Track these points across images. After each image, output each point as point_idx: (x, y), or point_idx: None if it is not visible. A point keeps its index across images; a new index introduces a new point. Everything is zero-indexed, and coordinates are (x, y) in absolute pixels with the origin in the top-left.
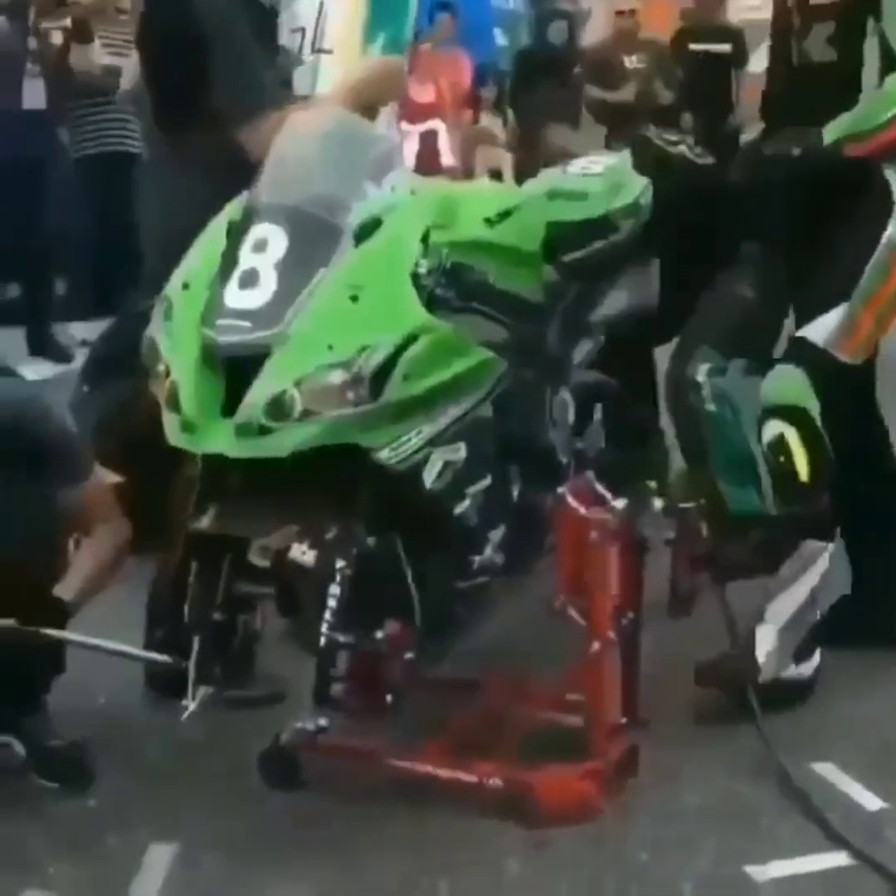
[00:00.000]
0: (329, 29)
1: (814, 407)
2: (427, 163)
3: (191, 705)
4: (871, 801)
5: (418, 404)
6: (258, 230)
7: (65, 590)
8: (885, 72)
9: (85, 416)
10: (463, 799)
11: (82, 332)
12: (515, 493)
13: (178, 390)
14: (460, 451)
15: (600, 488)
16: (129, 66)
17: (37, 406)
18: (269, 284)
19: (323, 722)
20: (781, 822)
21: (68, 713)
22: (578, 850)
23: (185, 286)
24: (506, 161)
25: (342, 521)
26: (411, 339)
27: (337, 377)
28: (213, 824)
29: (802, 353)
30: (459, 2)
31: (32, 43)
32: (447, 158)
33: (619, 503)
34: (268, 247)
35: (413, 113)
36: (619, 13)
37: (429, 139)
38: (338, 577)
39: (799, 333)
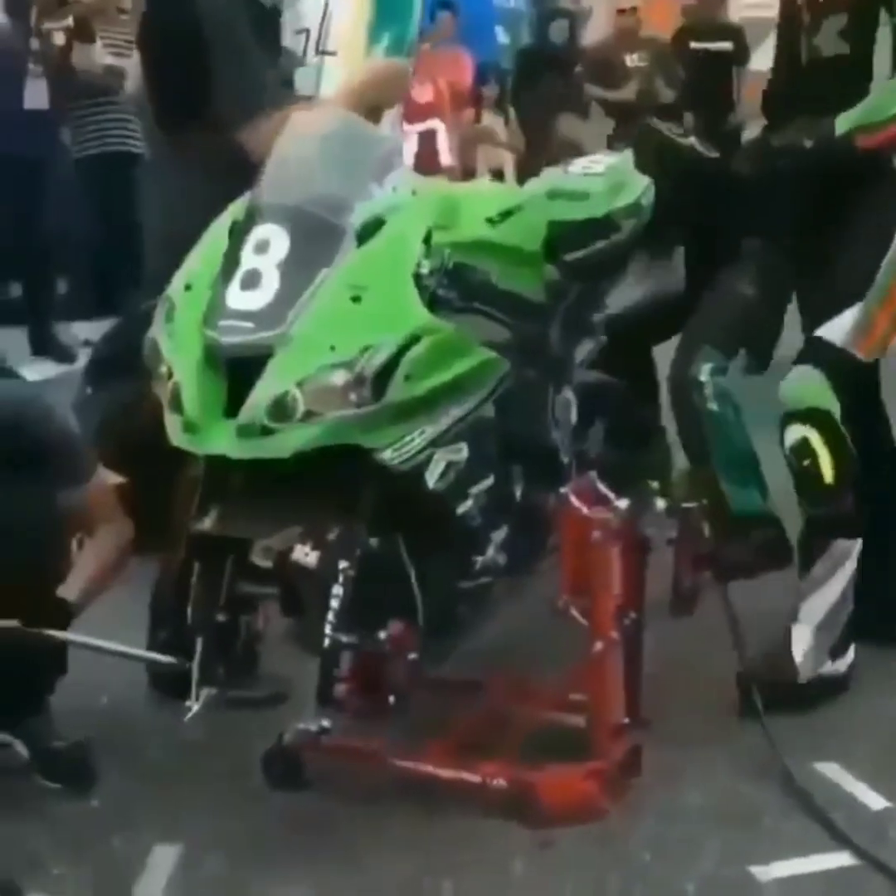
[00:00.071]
0: (333, 30)
1: (835, 408)
2: (426, 162)
3: (194, 706)
4: (876, 801)
5: (420, 405)
6: (260, 231)
7: (68, 590)
8: None
9: (88, 417)
10: (466, 799)
11: (85, 332)
12: (518, 493)
13: (181, 391)
14: (463, 452)
15: (603, 488)
16: (134, 68)
17: (38, 407)
18: (271, 285)
19: (326, 722)
20: (785, 821)
21: (71, 714)
22: (582, 850)
23: (188, 287)
24: (507, 160)
25: (345, 521)
26: (413, 339)
27: (339, 378)
28: (217, 825)
29: (820, 353)
30: (461, 0)
31: (34, 43)
32: (446, 158)
33: (622, 503)
34: (270, 247)
35: (412, 113)
36: (620, 11)
37: (428, 139)
38: (340, 578)
39: (816, 333)
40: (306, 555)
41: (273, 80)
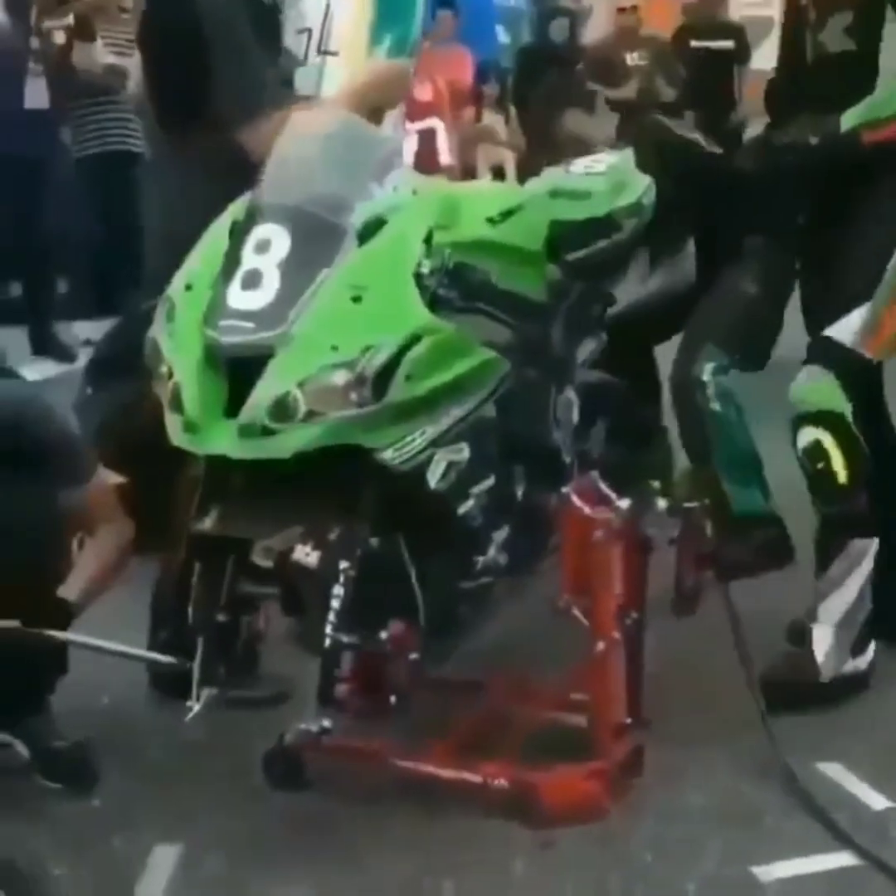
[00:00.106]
0: (335, 30)
1: (847, 409)
2: (425, 161)
3: (195, 706)
4: (878, 801)
5: (421, 405)
6: (261, 230)
7: (68, 590)
8: None
9: (88, 417)
10: (467, 799)
11: (86, 331)
12: (519, 493)
13: (181, 391)
14: (464, 452)
15: (604, 488)
16: (136, 67)
17: (38, 406)
18: (271, 285)
19: (327, 722)
20: (787, 822)
21: (72, 714)
22: (583, 850)
23: (188, 287)
24: (508, 159)
25: (346, 521)
26: (414, 339)
27: (340, 378)
28: (218, 825)
29: (829, 353)
30: None
31: (34, 42)
32: (445, 157)
33: (624, 503)
34: (271, 247)
35: (412, 111)
36: (621, 10)
37: (427, 138)
38: (341, 578)
39: (825, 334)
40: (307, 555)
41: (273, 79)
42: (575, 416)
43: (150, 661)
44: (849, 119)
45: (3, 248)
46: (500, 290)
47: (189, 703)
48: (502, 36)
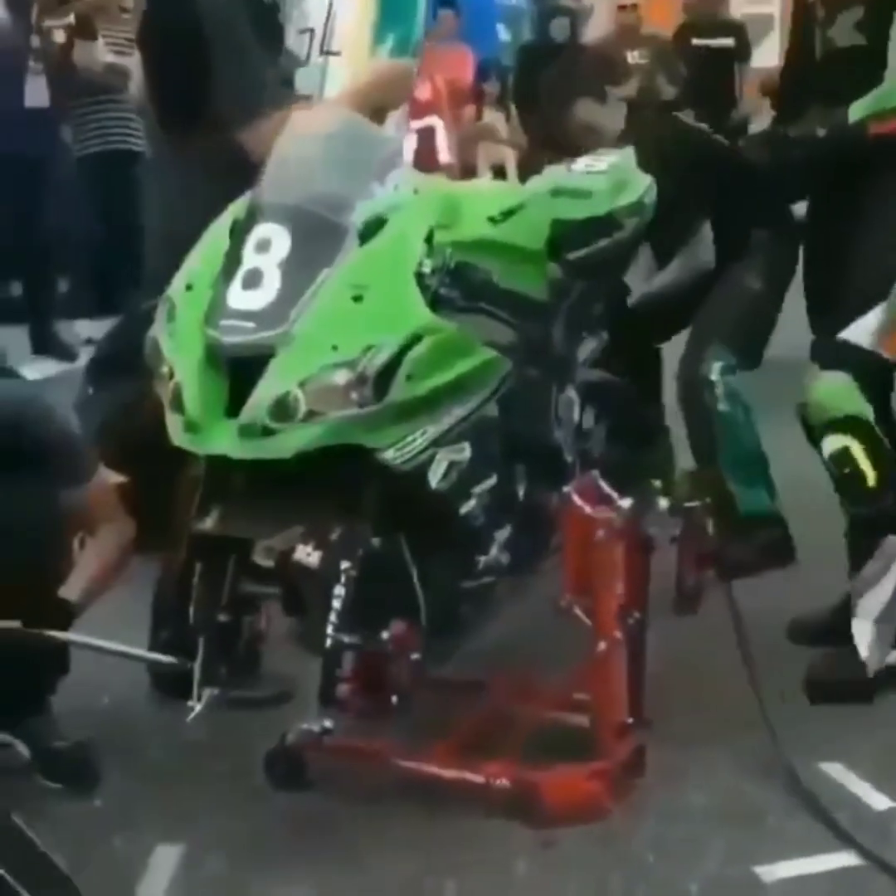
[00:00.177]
0: (338, 30)
1: (869, 412)
2: (425, 160)
3: (196, 706)
4: (880, 801)
5: (422, 404)
6: (261, 230)
7: (69, 590)
8: None
9: (89, 417)
10: (469, 799)
11: (87, 330)
12: (521, 492)
13: (182, 391)
14: (465, 451)
15: (606, 487)
16: (137, 67)
17: (38, 406)
18: (272, 284)
19: (328, 723)
20: (789, 821)
21: (73, 714)
22: (585, 850)
23: (189, 287)
24: (509, 157)
25: (347, 521)
26: (415, 339)
27: (341, 377)
28: (219, 825)
29: (846, 355)
30: None
31: (35, 41)
32: (444, 156)
33: (625, 502)
34: (271, 246)
35: (412, 110)
36: (621, 8)
37: (426, 136)
38: (343, 578)
39: (841, 336)
40: (308, 555)
41: (273, 79)
42: (576, 416)
43: (152, 662)
44: (856, 111)
45: (3, 246)
46: (502, 290)
47: (190, 704)
48: (503, 34)
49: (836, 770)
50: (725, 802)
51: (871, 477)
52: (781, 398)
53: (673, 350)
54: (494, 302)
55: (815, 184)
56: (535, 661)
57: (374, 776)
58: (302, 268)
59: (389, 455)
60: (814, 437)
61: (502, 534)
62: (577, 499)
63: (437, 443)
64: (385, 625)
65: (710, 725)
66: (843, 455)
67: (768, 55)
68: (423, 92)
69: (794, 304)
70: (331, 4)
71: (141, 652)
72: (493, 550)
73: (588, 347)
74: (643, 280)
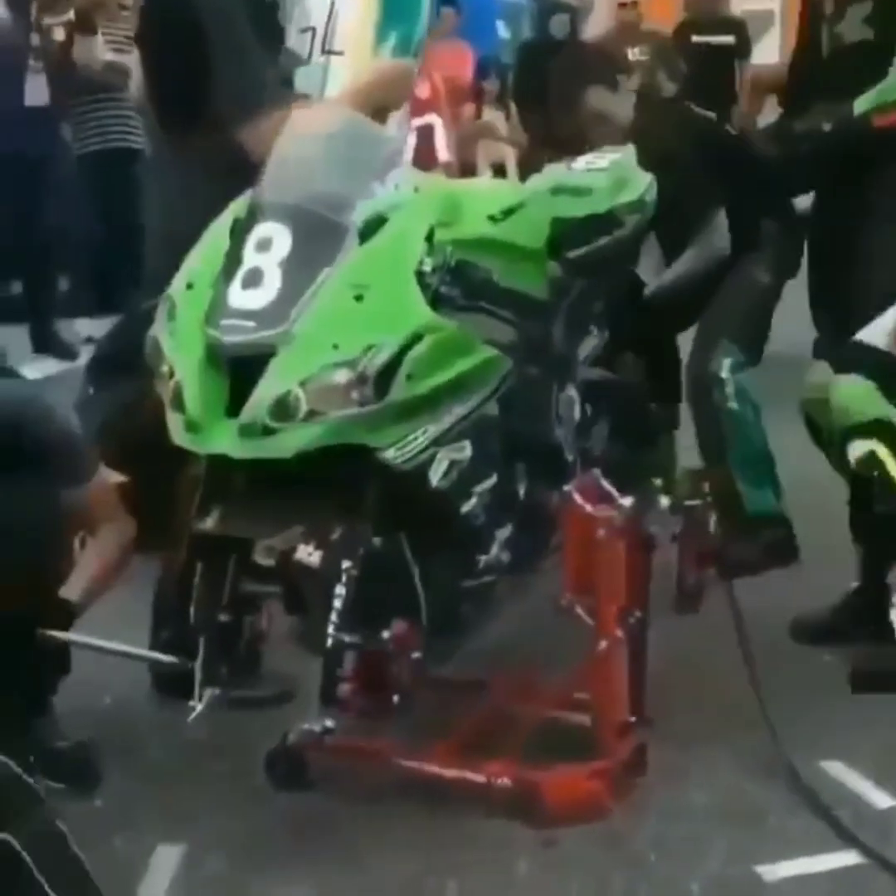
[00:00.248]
0: (340, 29)
1: (891, 413)
2: (424, 158)
3: (197, 706)
4: (881, 799)
5: (423, 404)
6: (262, 229)
7: (70, 590)
8: None
9: (90, 416)
10: (470, 799)
11: (87, 329)
12: (522, 491)
13: (183, 390)
14: (466, 450)
15: (607, 486)
16: (136, 65)
17: (38, 406)
18: (273, 283)
19: (329, 722)
20: (791, 820)
21: (74, 714)
22: (586, 849)
23: (189, 286)
24: (509, 155)
25: (348, 521)
26: (416, 338)
27: (342, 377)
28: (220, 825)
29: (863, 357)
30: None
31: (35, 39)
32: (443, 154)
33: (626, 501)
34: (272, 246)
35: (412, 108)
36: (622, 5)
37: (426, 134)
38: (344, 578)
39: (857, 338)
40: (309, 554)
41: (272, 78)
42: (577, 414)
43: (153, 661)
44: (860, 104)
45: (3, 245)
46: (502, 288)
47: (191, 704)
48: (503, 31)
49: (837, 768)
50: (727, 801)
51: None
52: (781, 395)
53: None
54: (495, 300)
55: (822, 178)
56: (536, 660)
57: (375, 776)
58: (302, 267)
59: (390, 454)
60: (818, 435)
61: (503, 533)
62: (577, 497)
63: (437, 442)
64: (386, 624)
65: (712, 724)
66: (871, 458)
67: (768, 52)
68: (422, 90)
69: (791, 299)
70: (332, 3)
71: (142, 652)
72: (494, 549)
73: (588, 345)
74: (653, 274)
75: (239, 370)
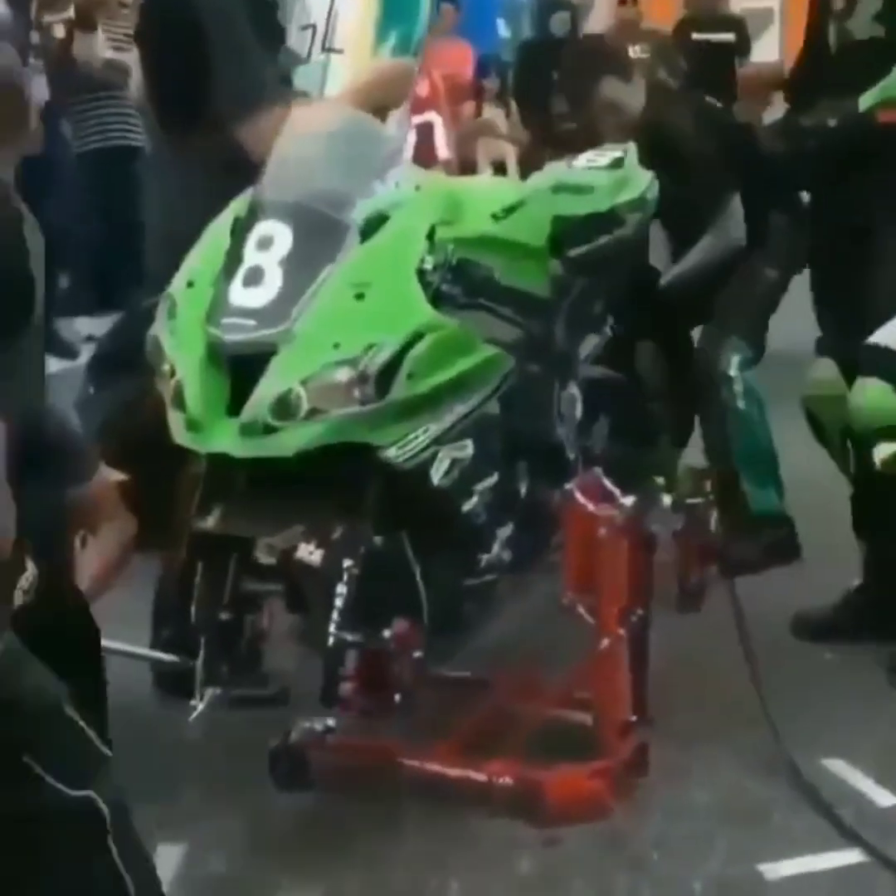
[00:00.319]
0: (340, 27)
1: None
2: (423, 156)
3: (198, 705)
4: (883, 797)
5: (424, 402)
6: (263, 227)
7: None
8: None
9: (90, 415)
10: (472, 798)
11: (88, 328)
12: (523, 489)
13: (183, 389)
14: (467, 449)
15: (608, 484)
16: (136, 64)
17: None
18: (274, 282)
19: (331, 721)
20: (793, 819)
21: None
22: (588, 848)
23: (190, 284)
24: (509, 153)
25: (349, 520)
26: (417, 336)
27: (343, 375)
28: (221, 824)
29: (879, 359)
30: None
31: (35, 36)
32: (443, 151)
33: (628, 499)
34: (273, 244)
35: (412, 105)
36: (622, 3)
37: (425, 132)
38: (345, 577)
39: (872, 340)
40: (310, 553)
41: (272, 76)
42: (578, 412)
43: (154, 660)
44: (866, 100)
45: None
46: (504, 287)
47: (193, 703)
48: (503, 29)
49: (838, 766)
50: (728, 800)
51: None
52: (780, 392)
53: None
54: (496, 299)
55: (827, 174)
56: (538, 659)
57: (377, 775)
58: (303, 265)
59: (391, 453)
60: (821, 432)
61: (504, 531)
62: (579, 496)
63: (439, 440)
64: (387, 623)
65: (713, 723)
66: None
67: (768, 49)
68: (422, 87)
69: (791, 296)
70: (333, 1)
71: (143, 651)
72: (495, 548)
73: (590, 344)
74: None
75: (240, 369)
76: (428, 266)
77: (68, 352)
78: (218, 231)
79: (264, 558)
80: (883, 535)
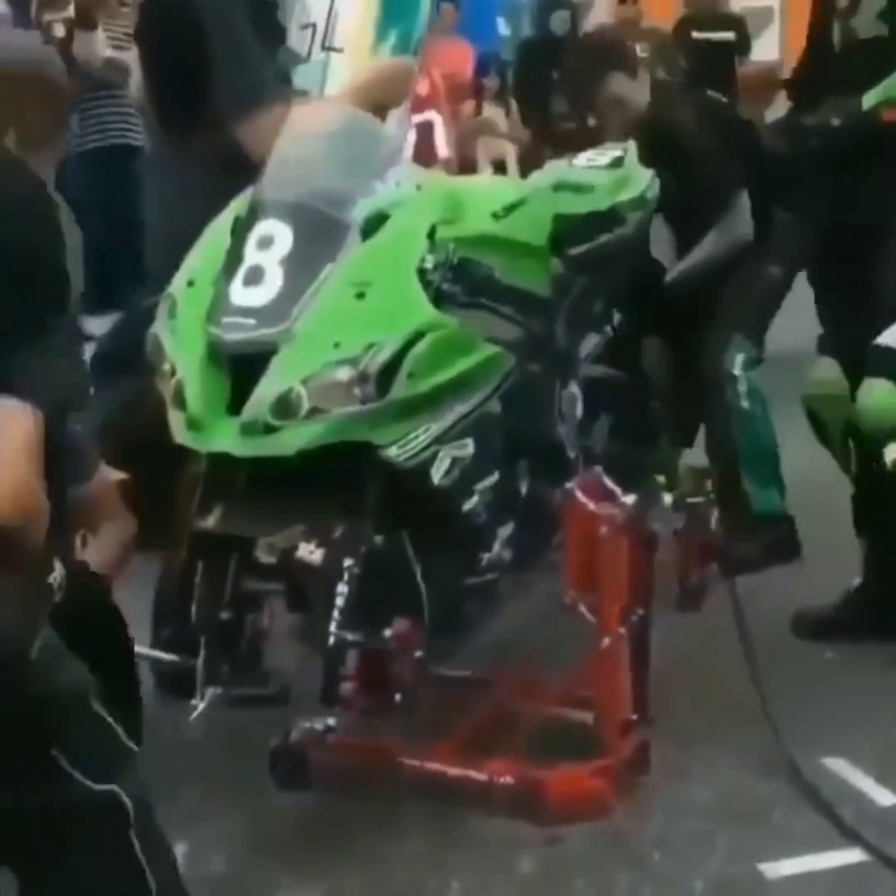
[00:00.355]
0: (340, 26)
1: None
2: (423, 155)
3: (199, 705)
4: (884, 797)
5: (425, 401)
6: (263, 226)
7: None
8: None
9: (91, 414)
10: (473, 797)
11: (88, 327)
12: (524, 488)
13: (184, 388)
14: (468, 448)
15: (609, 483)
16: (136, 64)
17: None
18: (274, 281)
19: (332, 721)
20: (794, 818)
21: None
22: (589, 847)
23: (190, 284)
24: (509, 152)
25: (349, 519)
26: (418, 336)
27: (344, 374)
28: (221, 824)
29: (889, 361)
30: None
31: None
32: (443, 150)
33: (629, 498)
34: (273, 243)
35: (412, 104)
36: (622, 2)
37: (424, 131)
38: (346, 576)
39: (880, 341)
40: (311, 552)
41: (272, 76)
42: (579, 411)
43: (154, 660)
44: (869, 99)
45: None
46: (504, 286)
47: (193, 702)
48: (503, 28)
49: (839, 765)
50: (729, 799)
51: None
52: (779, 391)
53: None
54: (497, 298)
55: (831, 173)
56: (539, 658)
57: (378, 774)
58: (304, 264)
59: (392, 452)
60: (822, 431)
61: (505, 530)
62: (580, 495)
63: (439, 440)
64: (388, 622)
65: (714, 722)
66: None
67: (768, 48)
68: (422, 86)
69: (791, 295)
70: (333, 0)
71: (143, 650)
72: (496, 547)
73: (591, 343)
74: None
75: (240, 368)
76: (428, 265)
77: None
78: (218, 230)
79: (265, 558)
80: (884, 534)
